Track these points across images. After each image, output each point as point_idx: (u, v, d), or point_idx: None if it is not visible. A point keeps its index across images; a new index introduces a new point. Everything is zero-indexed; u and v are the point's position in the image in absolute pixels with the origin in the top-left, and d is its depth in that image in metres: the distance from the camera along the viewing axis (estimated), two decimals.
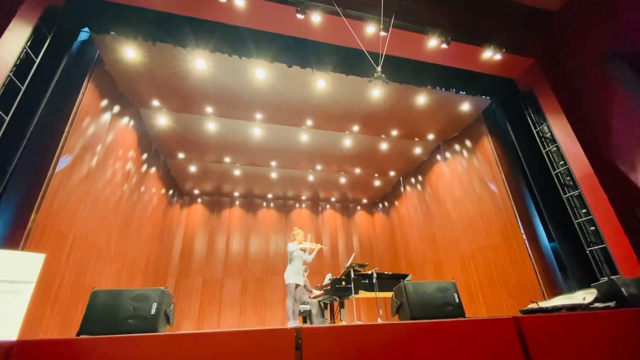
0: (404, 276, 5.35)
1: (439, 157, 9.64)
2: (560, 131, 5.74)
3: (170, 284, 10.32)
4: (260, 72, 6.40)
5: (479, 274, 7.64)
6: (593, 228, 5.33)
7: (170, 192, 10.69)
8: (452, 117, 8.19)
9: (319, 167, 10.54)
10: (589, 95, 5.53)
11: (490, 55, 5.92)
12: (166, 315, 2.26)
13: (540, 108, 6.17)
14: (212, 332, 1.59)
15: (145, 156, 8.28)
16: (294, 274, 4.80)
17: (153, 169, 8.93)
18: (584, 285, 4.88)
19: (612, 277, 2.45)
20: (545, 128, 6.16)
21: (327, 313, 6.05)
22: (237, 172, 10.59)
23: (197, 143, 8.84)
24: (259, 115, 7.77)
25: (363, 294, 5.18)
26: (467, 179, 8.37)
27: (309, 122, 8.09)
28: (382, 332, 1.39)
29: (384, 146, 9.44)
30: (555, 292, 5.87)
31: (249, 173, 10.68)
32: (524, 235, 6.55)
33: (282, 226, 12.44)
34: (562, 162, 5.85)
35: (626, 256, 4.68)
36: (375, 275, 5.13)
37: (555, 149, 5.99)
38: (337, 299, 5.31)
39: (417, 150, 9.88)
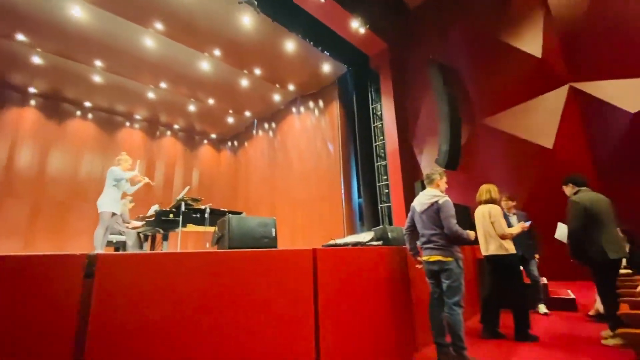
0: (238, 213, 5.53)
1: (294, 109, 10.06)
2: (387, 112, 7.04)
3: None
4: None
5: (304, 217, 8.88)
6: (387, 191, 7.06)
7: None
8: (313, 74, 8.57)
9: (163, 85, 9.00)
10: (414, 88, 6.94)
11: (356, 26, 6.38)
12: None
13: (379, 89, 7.30)
14: None
15: None
16: (111, 202, 4.10)
17: None
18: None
19: (386, 225, 3.40)
20: (379, 107, 7.40)
21: (147, 245, 5.62)
22: (36, 60, 7.65)
23: None
24: None
25: (192, 227, 5.05)
26: (313, 136, 9.21)
27: (159, 26, 6.61)
28: (192, 260, 1.39)
29: (244, 82, 8.96)
30: (352, 234, 7.57)
31: (59, 66, 7.92)
32: (342, 190, 7.96)
33: (103, 145, 10.22)
34: (381, 137, 7.27)
35: (400, 213, 6.51)
36: (208, 210, 5.06)
37: (380, 125, 7.35)
38: (161, 231, 4.97)
39: (277, 98, 9.94)
